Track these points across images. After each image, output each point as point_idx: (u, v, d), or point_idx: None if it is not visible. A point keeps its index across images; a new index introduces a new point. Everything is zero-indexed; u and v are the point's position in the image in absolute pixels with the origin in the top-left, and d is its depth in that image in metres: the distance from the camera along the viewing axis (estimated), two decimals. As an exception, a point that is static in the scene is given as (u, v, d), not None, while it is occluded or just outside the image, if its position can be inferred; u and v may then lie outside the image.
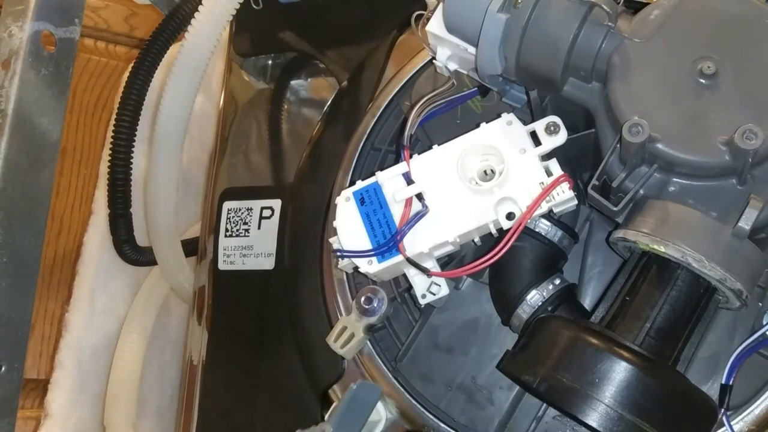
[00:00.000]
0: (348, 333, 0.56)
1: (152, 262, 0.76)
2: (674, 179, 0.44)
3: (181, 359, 0.82)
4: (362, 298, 0.56)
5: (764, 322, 0.50)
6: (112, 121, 0.69)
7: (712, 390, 0.49)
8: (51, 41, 0.56)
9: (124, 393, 0.71)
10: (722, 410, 0.48)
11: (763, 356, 0.50)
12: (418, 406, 0.55)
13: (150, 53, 0.69)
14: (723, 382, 0.48)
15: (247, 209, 0.67)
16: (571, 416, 0.44)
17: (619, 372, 0.42)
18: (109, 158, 0.68)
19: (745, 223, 0.42)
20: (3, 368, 0.55)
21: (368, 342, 0.58)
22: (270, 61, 0.74)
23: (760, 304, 0.50)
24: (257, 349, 0.65)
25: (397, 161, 0.52)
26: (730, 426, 0.48)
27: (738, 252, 0.43)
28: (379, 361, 0.57)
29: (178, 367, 0.83)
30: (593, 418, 0.42)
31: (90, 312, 0.72)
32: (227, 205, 0.68)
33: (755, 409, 0.50)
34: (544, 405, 0.53)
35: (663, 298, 0.45)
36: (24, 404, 0.84)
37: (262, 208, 0.66)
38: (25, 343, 0.59)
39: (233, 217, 0.67)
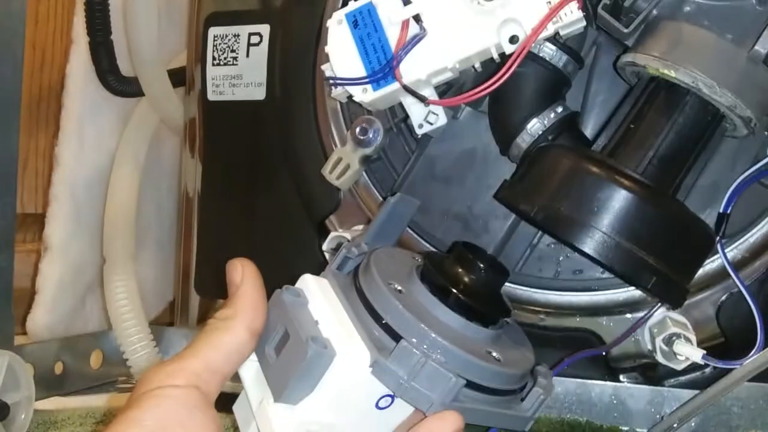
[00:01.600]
0: (343, 164, 0.56)
1: (139, 93, 0.73)
2: (691, -2, 0.41)
3: (176, 191, 0.82)
4: (357, 129, 0.55)
5: (769, 150, 0.49)
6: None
7: (710, 218, 0.49)
8: None
9: (121, 225, 0.72)
10: (718, 238, 0.48)
11: (764, 185, 0.49)
12: (415, 235, 0.55)
13: None
14: (721, 210, 0.48)
15: (234, 35, 0.63)
16: (568, 244, 0.44)
17: (617, 200, 0.42)
18: (84, -20, 0.63)
19: (762, 46, 0.40)
20: (-5, 203, 0.55)
21: (364, 173, 0.57)
22: None
23: (767, 132, 0.49)
24: (252, 181, 0.65)
25: (393, -22, 0.48)
26: (724, 253, 0.48)
27: (751, 77, 0.41)
28: (375, 191, 0.57)
29: (175, 199, 0.83)
30: (589, 246, 0.42)
31: (79, 145, 0.71)
32: (213, 31, 0.64)
33: (750, 237, 0.50)
34: (539, 233, 0.53)
35: (669, 125, 0.43)
36: (25, 238, 0.85)
37: (250, 34, 0.62)
38: (14, 178, 0.58)
39: (220, 44, 0.64)
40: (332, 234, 0.56)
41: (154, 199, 0.81)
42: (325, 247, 0.57)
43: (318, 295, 0.37)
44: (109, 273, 0.71)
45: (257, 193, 0.64)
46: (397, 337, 0.34)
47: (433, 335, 0.34)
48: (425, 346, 0.34)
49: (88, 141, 0.72)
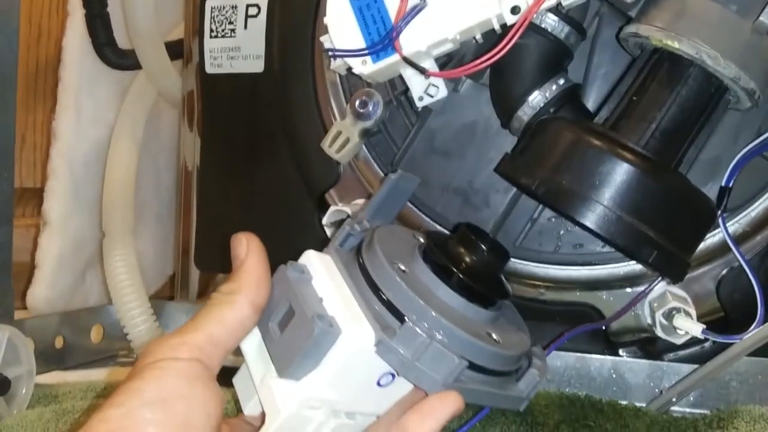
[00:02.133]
0: (343, 137, 0.55)
1: (136, 66, 0.73)
2: (696, -33, 0.40)
3: (175, 165, 0.82)
4: (357, 102, 0.54)
5: (773, 123, 0.49)
6: None
7: (711, 192, 0.49)
8: None
9: (120, 199, 0.71)
10: (719, 212, 0.48)
11: (766, 159, 0.49)
12: (414, 209, 0.55)
13: None
14: (723, 184, 0.48)
15: (232, 7, 0.62)
16: (569, 218, 0.44)
17: (619, 173, 0.42)
18: (79, -50, 0.62)
19: (767, 17, 0.39)
20: (-8, 177, 0.54)
21: (363, 146, 0.56)
22: None
23: (770, 104, 0.49)
24: (251, 155, 0.64)
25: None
26: (725, 227, 0.48)
27: (756, 49, 0.40)
28: (375, 165, 0.57)
29: (174, 173, 0.83)
30: (591, 219, 0.42)
31: (77, 119, 0.70)
32: (210, 2, 0.63)
33: (752, 212, 0.50)
34: (540, 207, 0.53)
35: (672, 97, 0.43)
36: (24, 212, 0.85)
37: (248, 6, 0.62)
38: (11, 152, 0.57)
39: (217, 15, 0.63)
40: (332, 208, 0.56)
41: (152, 173, 0.81)
42: (324, 221, 0.56)
43: (322, 272, 0.37)
44: (108, 247, 0.71)
45: (256, 167, 0.64)
46: (400, 317, 0.34)
47: (437, 316, 0.34)
48: (429, 327, 0.34)
49: (86, 114, 0.71)
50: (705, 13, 0.41)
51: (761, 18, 0.39)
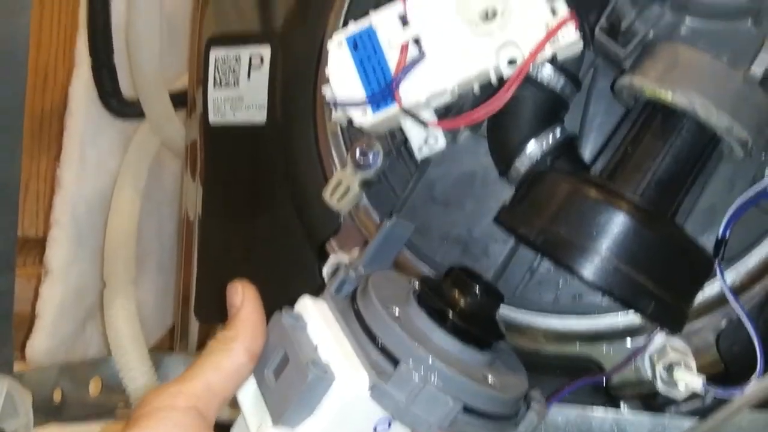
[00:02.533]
0: (343, 187, 0.56)
1: (140, 115, 0.74)
2: (687, 20, 0.41)
3: (177, 214, 0.82)
4: (357, 151, 0.55)
5: (767, 173, 0.49)
6: (89, -35, 0.65)
7: (708, 242, 0.49)
8: None
9: (121, 248, 0.72)
10: (717, 261, 0.48)
11: (762, 209, 0.49)
12: (414, 258, 0.55)
13: None
14: (719, 233, 0.48)
15: (236, 57, 0.64)
16: (567, 268, 0.44)
17: (616, 224, 0.42)
18: (87, 4, 0.64)
19: (758, 67, 0.40)
20: (-4, 226, 0.55)
21: (364, 196, 0.57)
22: None
23: (764, 154, 0.49)
24: (253, 204, 0.65)
25: None
26: (723, 278, 0.48)
27: (747, 99, 0.41)
28: (375, 215, 0.57)
29: (176, 222, 0.83)
30: (588, 270, 0.42)
31: (81, 167, 0.71)
32: (214, 53, 0.65)
33: (749, 262, 0.50)
34: (539, 257, 0.53)
35: (666, 148, 0.43)
36: (25, 262, 0.85)
37: (251, 57, 0.63)
38: (15, 200, 0.58)
39: (221, 66, 0.64)
40: (332, 257, 0.56)
41: (155, 222, 0.82)
42: (324, 270, 0.56)
43: (317, 318, 0.37)
44: (109, 298, 0.71)
45: (257, 216, 0.64)
46: (395, 361, 0.34)
47: (432, 359, 0.34)
48: (423, 370, 0.34)
49: (90, 163, 0.72)
50: (697, 65, 0.41)
51: (752, 68, 0.40)
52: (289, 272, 0.62)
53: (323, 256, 0.58)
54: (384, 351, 0.35)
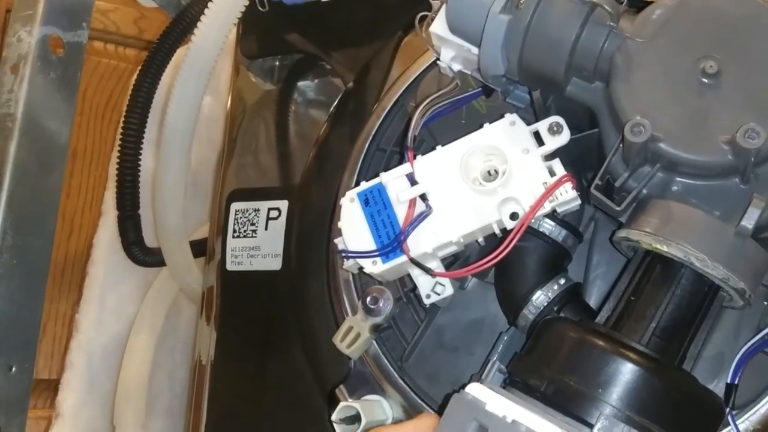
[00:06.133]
0: (354, 333, 0.57)
1: (161, 263, 0.76)
2: (677, 179, 0.44)
3: (190, 359, 0.83)
4: (368, 298, 0.56)
5: (769, 321, 0.50)
6: (121, 123, 0.70)
7: (717, 389, 0.49)
8: (59, 45, 0.57)
9: (133, 393, 0.72)
10: (728, 409, 0.48)
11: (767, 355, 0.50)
12: (424, 405, 0.55)
13: (158, 55, 0.70)
14: (728, 381, 0.48)
15: (255, 210, 0.67)
16: (579, 419, 0.44)
17: (625, 373, 0.42)
18: (118, 160, 0.69)
19: (748, 222, 0.42)
20: (14, 369, 0.56)
21: (374, 342, 0.58)
22: (277, 63, 0.75)
23: (765, 302, 0.50)
24: (265, 349, 0.66)
25: (401, 162, 0.52)
26: (736, 425, 0.48)
27: (741, 251, 0.43)
28: (385, 360, 0.58)
29: (188, 367, 0.84)
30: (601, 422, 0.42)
31: (100, 313, 0.73)
32: (235, 206, 0.68)
33: (761, 408, 0.50)
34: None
35: (667, 297, 0.45)
36: (36, 404, 0.85)
37: (269, 209, 0.66)
38: (35, 345, 0.59)
39: (241, 218, 0.68)
40: (342, 404, 0.56)
41: (168, 366, 0.82)
42: (334, 417, 0.56)
43: (493, 395, 0.40)
44: (118, 442, 0.70)
45: (269, 361, 0.65)
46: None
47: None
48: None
49: (109, 309, 0.74)
50: (690, 219, 0.43)
51: (743, 223, 0.42)
52: (298, 418, 0.62)
53: (333, 403, 0.58)
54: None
